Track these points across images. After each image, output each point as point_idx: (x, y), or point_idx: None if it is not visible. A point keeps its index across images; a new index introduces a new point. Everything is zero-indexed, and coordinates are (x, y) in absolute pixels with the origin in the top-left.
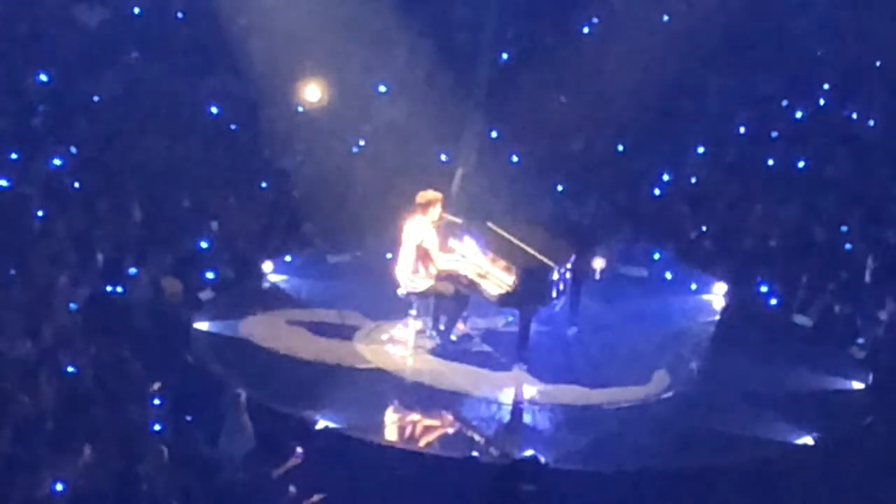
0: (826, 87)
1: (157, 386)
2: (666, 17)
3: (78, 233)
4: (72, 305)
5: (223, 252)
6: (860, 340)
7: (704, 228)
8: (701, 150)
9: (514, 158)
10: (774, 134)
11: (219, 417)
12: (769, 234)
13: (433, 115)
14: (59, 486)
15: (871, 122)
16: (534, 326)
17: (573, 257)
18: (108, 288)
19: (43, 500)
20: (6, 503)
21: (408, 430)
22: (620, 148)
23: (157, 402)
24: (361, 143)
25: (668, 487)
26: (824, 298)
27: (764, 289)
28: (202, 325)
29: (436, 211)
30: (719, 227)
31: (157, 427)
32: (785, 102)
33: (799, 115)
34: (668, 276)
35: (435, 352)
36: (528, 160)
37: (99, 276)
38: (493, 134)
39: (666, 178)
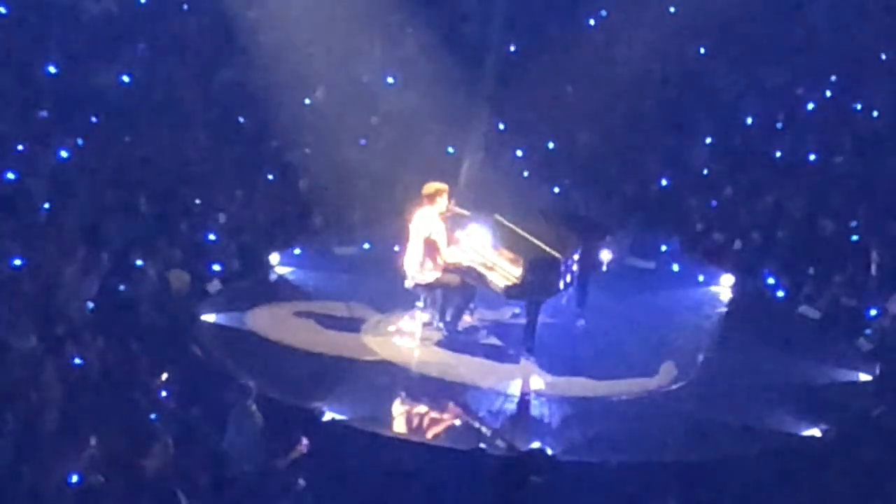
0: (833, 78)
1: (164, 377)
2: (673, 9)
3: (85, 225)
4: (79, 298)
5: (230, 244)
6: (867, 332)
7: (711, 220)
8: (708, 141)
9: (521, 151)
10: (781, 125)
11: (225, 409)
12: (776, 225)
13: (441, 107)
14: (74, 478)
15: (879, 114)
16: (541, 318)
17: (580, 249)
18: (116, 280)
19: (51, 491)
20: (13, 495)
21: (415, 422)
22: (628, 139)
23: (163, 394)
24: (369, 135)
25: (675, 479)
26: (831, 290)
27: (771, 280)
28: (209, 318)
29: (442, 202)
30: (727, 219)
31: (163, 419)
32: (792, 94)
33: (807, 106)
34: (676, 267)
35: (442, 344)
36: (536, 152)
37: (106, 268)
38: (501, 126)
39: (673, 169)
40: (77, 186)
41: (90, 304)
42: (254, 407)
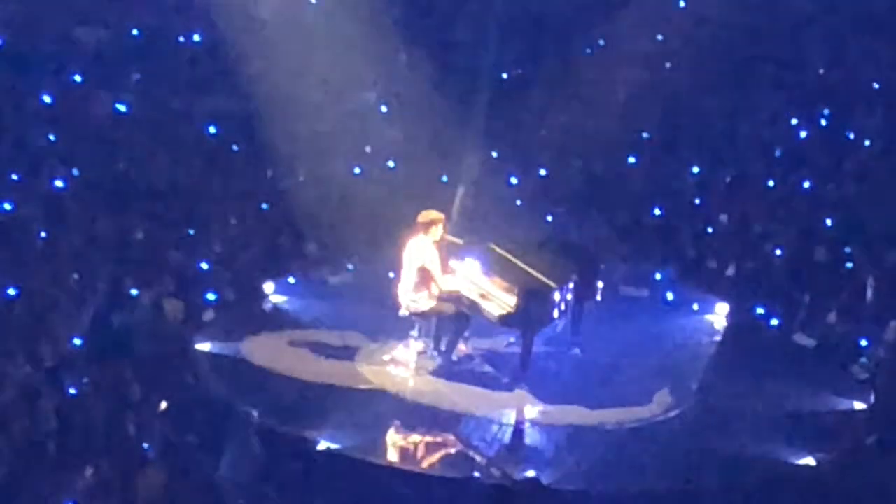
0: (827, 108)
1: (163, 406)
2: (661, 37)
3: (79, 254)
4: (73, 327)
5: (224, 273)
6: (862, 360)
7: (705, 248)
8: (701, 169)
9: (515, 179)
10: (776, 154)
11: (220, 438)
12: (770, 253)
13: (434, 135)
14: None
15: (872, 143)
16: (536, 347)
17: (575, 278)
18: (110, 309)
19: None
20: None
21: (409, 451)
22: (621, 168)
23: (158, 422)
24: (363, 163)
25: None
26: (826, 318)
27: (763, 309)
28: (203, 346)
29: (437, 231)
30: (720, 247)
31: (158, 448)
32: (786, 123)
33: (800, 135)
34: (670, 296)
35: (436, 372)
36: (530, 180)
37: (101, 297)
38: (494, 154)
39: (667, 197)
40: (72, 215)
41: (84, 333)
42: (255, 437)
